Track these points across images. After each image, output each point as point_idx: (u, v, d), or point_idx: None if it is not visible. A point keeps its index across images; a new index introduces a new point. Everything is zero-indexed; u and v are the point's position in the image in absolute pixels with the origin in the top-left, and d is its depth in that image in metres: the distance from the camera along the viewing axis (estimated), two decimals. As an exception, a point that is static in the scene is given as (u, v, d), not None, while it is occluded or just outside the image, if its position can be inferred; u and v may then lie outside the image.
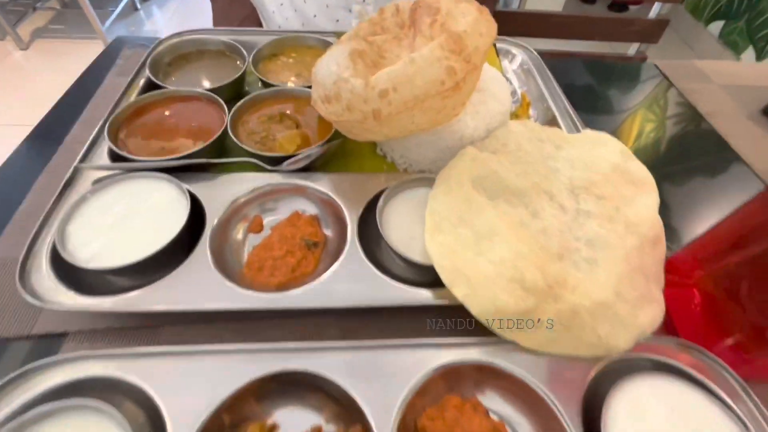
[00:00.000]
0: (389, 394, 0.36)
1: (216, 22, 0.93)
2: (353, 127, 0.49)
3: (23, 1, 2.45)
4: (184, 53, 0.68)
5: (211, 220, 0.47)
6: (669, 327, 0.44)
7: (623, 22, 1.31)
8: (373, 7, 0.89)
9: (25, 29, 2.40)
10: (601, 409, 0.35)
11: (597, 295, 0.39)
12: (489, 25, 0.47)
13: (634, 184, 0.48)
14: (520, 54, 0.73)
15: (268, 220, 0.51)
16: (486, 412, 0.38)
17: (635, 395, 0.36)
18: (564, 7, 3.02)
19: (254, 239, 0.50)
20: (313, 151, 0.52)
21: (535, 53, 0.72)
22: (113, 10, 2.45)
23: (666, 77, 0.84)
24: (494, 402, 0.39)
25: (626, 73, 0.88)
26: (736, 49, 2.47)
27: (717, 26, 2.58)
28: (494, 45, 0.75)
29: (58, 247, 0.42)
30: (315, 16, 0.90)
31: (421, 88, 0.43)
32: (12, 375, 0.34)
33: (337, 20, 0.91)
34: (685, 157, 0.70)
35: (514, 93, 0.70)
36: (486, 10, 0.50)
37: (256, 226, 0.50)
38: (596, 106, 0.78)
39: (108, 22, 2.41)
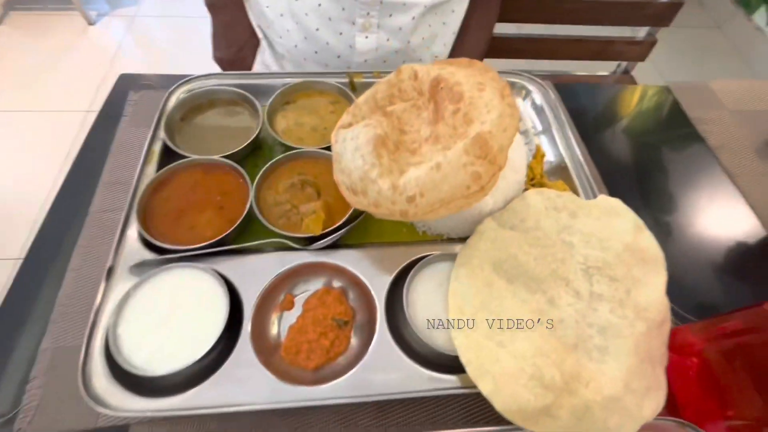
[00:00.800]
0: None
1: (216, 46, 0.89)
2: (378, 214, 0.50)
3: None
4: (195, 105, 0.67)
5: (249, 311, 0.50)
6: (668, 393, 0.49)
7: (636, 5, 1.27)
8: (378, 19, 0.85)
9: (-4, 2, 2.24)
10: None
11: (608, 390, 0.43)
12: (513, 115, 0.48)
13: (645, 263, 0.51)
14: (535, 91, 0.72)
15: (298, 297, 0.54)
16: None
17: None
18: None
19: (287, 315, 0.53)
20: (340, 232, 0.54)
21: (551, 91, 0.71)
22: (89, -21, 2.28)
23: (678, 103, 0.84)
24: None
25: (639, 100, 0.87)
26: (749, 8, 2.38)
27: (730, -17, 2.46)
28: (508, 81, 0.73)
29: (114, 354, 0.45)
30: (317, 29, 0.86)
31: (447, 192, 0.45)
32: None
33: (341, 33, 0.87)
34: (693, 199, 0.72)
35: (526, 134, 0.71)
36: (508, 94, 0.49)
37: (288, 304, 0.53)
38: (606, 140, 0.79)
39: (85, -8, 2.25)
